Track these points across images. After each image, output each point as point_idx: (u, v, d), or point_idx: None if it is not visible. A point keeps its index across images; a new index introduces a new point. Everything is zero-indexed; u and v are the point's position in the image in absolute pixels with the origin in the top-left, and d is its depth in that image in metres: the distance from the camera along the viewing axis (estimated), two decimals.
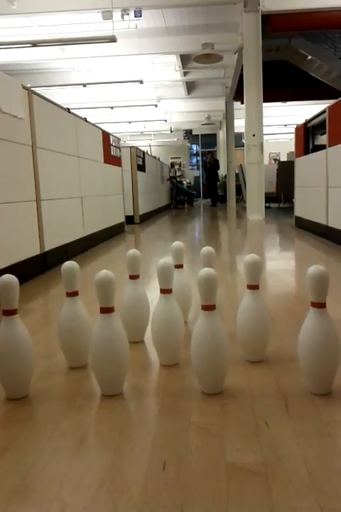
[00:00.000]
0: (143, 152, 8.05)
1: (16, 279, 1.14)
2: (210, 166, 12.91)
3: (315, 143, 5.21)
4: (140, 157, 7.46)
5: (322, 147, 4.26)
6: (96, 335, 1.12)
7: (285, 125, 16.91)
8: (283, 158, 15.32)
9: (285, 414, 1.01)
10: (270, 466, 0.83)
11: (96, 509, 0.74)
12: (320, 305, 1.07)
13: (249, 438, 0.93)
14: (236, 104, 12.60)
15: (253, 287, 1.28)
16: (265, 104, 7.10)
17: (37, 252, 2.92)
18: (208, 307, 1.10)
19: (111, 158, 5.36)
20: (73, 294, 1.31)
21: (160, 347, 1.32)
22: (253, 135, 6.92)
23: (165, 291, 1.29)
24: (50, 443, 0.95)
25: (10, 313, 1.13)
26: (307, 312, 1.10)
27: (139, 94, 13.10)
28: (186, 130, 18.67)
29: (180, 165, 20.13)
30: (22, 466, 0.87)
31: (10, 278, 1.12)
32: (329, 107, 4.07)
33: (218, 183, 13.58)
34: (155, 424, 1.01)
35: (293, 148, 5.92)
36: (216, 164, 13.14)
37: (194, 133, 19.29)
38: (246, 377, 1.22)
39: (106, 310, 1.12)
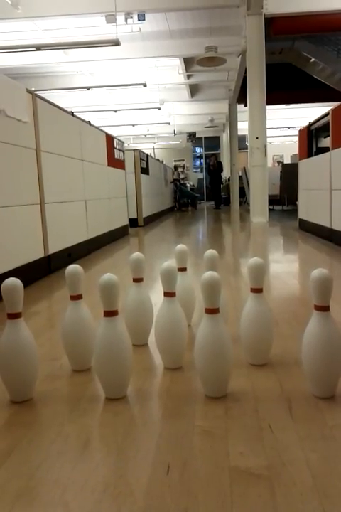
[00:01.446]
0: (147, 155, 8.07)
1: (20, 282, 1.14)
2: (214, 169, 12.90)
3: (319, 145, 5.20)
4: (143, 160, 7.47)
5: (326, 150, 4.25)
6: (100, 338, 1.13)
7: (289, 127, 16.92)
8: (287, 160, 15.33)
9: (289, 418, 1.01)
10: (274, 470, 0.83)
11: None
12: (324, 308, 1.07)
13: (253, 441, 0.93)
14: (240, 107, 12.59)
15: (257, 290, 1.28)
16: (268, 107, 7.11)
17: (41, 255, 2.93)
18: (211, 310, 1.10)
19: (115, 161, 5.38)
20: (77, 298, 1.32)
21: (164, 350, 1.32)
22: (257, 138, 6.92)
23: (168, 294, 1.29)
24: (54, 446, 0.95)
25: (14, 316, 1.13)
26: (310, 315, 1.10)
27: (143, 97, 13.14)
28: (189, 133, 18.69)
29: (183, 167, 20.19)
30: (26, 469, 0.87)
31: (14, 281, 1.13)
32: (333, 110, 4.06)
33: (221, 185, 13.57)
34: (159, 427, 1.01)
35: (296, 151, 5.91)
36: (219, 167, 13.13)
37: (197, 136, 19.31)
38: (250, 381, 1.22)
39: (110, 313, 1.12)
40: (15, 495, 0.80)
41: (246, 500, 0.75)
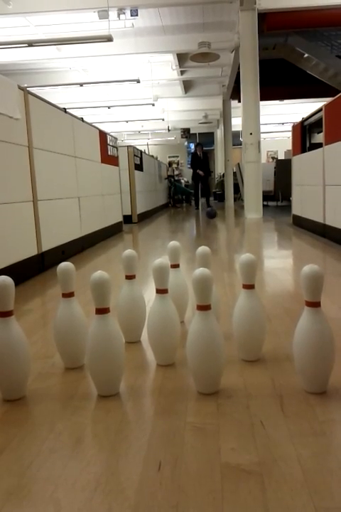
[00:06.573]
0: (141, 151, 8.05)
1: (11, 280, 1.14)
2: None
3: (312, 141, 5.22)
4: (137, 156, 7.45)
5: (319, 145, 4.26)
6: (92, 336, 1.12)
7: (283, 123, 16.93)
8: (281, 156, 15.35)
9: (281, 414, 1.02)
10: (265, 466, 0.83)
11: (91, 510, 0.74)
12: (315, 304, 1.07)
13: (244, 438, 0.93)
14: (234, 103, 12.59)
15: (249, 287, 1.28)
16: (262, 103, 7.10)
17: (34, 252, 2.92)
18: (203, 307, 1.10)
19: (109, 158, 5.36)
20: (69, 295, 1.31)
21: (156, 347, 1.32)
22: (251, 133, 6.92)
23: (161, 291, 1.29)
24: (45, 444, 0.95)
25: (5, 314, 1.13)
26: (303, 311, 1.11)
27: (136, 94, 13.09)
28: (184, 129, 18.65)
29: (177, 164, 20.15)
30: (18, 467, 0.87)
31: (4, 279, 1.12)
32: (326, 105, 4.07)
33: (210, 177, 12.85)
34: (151, 424, 1.01)
35: (290, 147, 5.92)
36: (204, 157, 11.64)
37: (191, 132, 19.26)
38: (242, 377, 1.22)
39: (102, 311, 1.12)
40: (6, 493, 0.80)
41: (237, 497, 0.76)
